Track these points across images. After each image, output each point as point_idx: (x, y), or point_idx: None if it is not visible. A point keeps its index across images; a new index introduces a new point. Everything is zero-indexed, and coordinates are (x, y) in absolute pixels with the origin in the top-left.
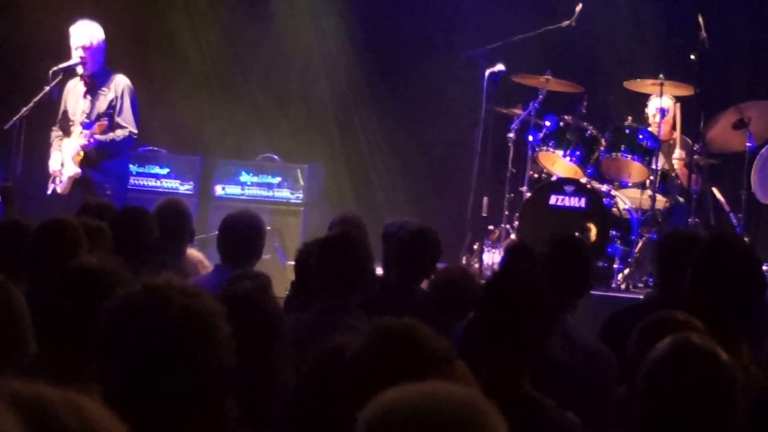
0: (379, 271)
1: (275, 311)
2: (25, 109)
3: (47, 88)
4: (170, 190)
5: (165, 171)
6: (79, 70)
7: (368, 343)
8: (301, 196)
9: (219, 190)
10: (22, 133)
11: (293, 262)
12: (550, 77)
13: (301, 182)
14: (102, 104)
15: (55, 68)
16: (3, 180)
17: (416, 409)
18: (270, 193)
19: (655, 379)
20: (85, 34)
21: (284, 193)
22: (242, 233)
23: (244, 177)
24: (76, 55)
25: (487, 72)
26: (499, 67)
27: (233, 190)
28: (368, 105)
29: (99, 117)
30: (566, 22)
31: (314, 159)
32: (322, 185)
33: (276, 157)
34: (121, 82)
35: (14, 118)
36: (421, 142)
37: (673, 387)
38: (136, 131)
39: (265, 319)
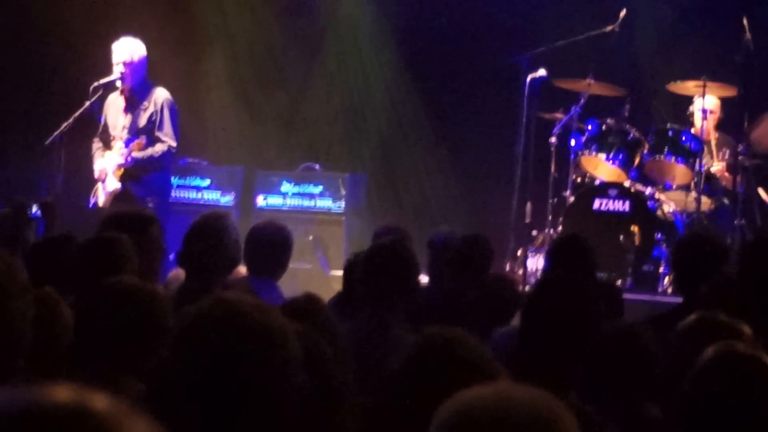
0: (425, 279)
1: (335, 325)
2: (65, 124)
3: (87, 104)
4: (211, 202)
5: (206, 183)
6: (119, 84)
7: (415, 354)
8: (342, 205)
9: (260, 200)
10: (63, 148)
11: (337, 272)
12: (592, 81)
13: (343, 191)
14: (142, 119)
15: (95, 84)
16: (44, 195)
17: (493, 409)
18: (311, 203)
19: (701, 390)
20: (126, 50)
21: (326, 203)
22: (268, 244)
23: (286, 187)
24: (117, 71)
25: (529, 78)
26: (541, 72)
27: (275, 200)
28: (410, 113)
29: (139, 132)
30: (610, 27)
31: (357, 168)
32: (364, 194)
33: (317, 166)
34: (160, 96)
35: (55, 134)
36: (463, 149)
37: (720, 396)
38: (175, 145)
39: (328, 333)
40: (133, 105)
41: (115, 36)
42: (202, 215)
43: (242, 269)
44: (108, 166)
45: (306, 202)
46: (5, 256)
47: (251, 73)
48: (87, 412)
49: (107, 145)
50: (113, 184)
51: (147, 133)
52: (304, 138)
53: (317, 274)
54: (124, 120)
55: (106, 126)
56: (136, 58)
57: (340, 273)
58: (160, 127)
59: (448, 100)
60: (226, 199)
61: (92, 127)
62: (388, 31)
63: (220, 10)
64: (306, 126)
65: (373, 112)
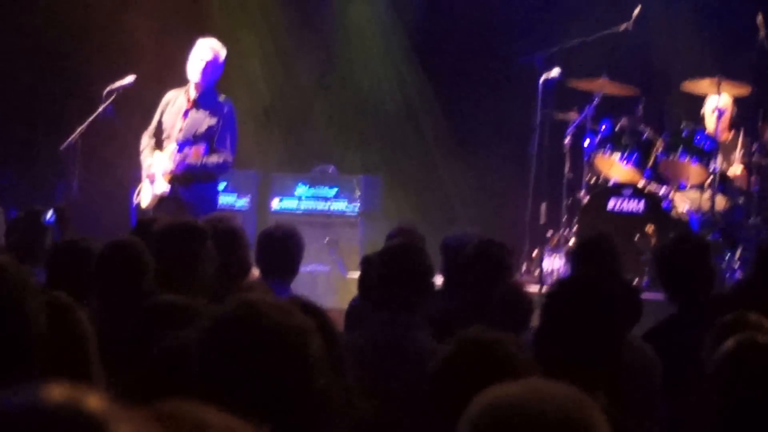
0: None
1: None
2: (79, 129)
3: (101, 108)
4: (227, 206)
5: (222, 186)
6: (195, 78)
7: (453, 356)
8: (357, 207)
9: (276, 203)
10: (78, 154)
11: (355, 274)
12: (605, 81)
13: (357, 193)
14: (202, 126)
15: (109, 88)
16: (60, 201)
17: (522, 405)
18: (326, 206)
19: (721, 378)
20: (212, 48)
21: (341, 205)
22: (279, 247)
23: (300, 189)
24: (197, 67)
25: (543, 78)
26: (555, 72)
27: (290, 203)
28: (424, 114)
29: (195, 138)
30: (623, 26)
31: (370, 171)
32: (379, 196)
33: (331, 168)
34: (225, 107)
35: (69, 139)
36: (477, 150)
37: (739, 385)
38: (231, 160)
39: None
40: (195, 108)
41: (130, 41)
42: (208, 220)
43: (255, 273)
44: (157, 167)
45: (321, 205)
46: (13, 261)
47: (264, 74)
48: (79, 411)
49: (159, 145)
50: (162, 186)
51: (205, 140)
52: (316, 140)
53: (336, 276)
54: (182, 122)
55: (160, 123)
56: (220, 60)
57: (357, 275)
58: (221, 140)
59: (462, 100)
60: (242, 203)
61: (107, 131)
62: (401, 32)
63: (232, 12)
64: (319, 128)
65: (387, 113)
